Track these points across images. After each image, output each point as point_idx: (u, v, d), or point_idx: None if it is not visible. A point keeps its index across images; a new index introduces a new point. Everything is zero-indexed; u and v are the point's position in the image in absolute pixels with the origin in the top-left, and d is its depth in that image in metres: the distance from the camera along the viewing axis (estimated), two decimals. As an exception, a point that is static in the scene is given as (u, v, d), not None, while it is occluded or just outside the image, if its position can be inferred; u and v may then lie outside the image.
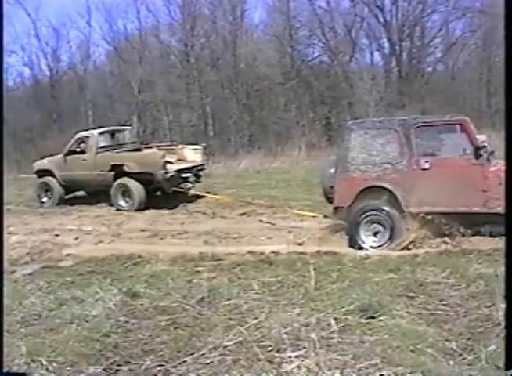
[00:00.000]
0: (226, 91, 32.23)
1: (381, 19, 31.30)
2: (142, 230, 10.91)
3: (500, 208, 7.61)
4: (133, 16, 38.05)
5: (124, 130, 16.87)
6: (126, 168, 13.75)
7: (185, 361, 4.16)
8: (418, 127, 8.33)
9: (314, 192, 11.14)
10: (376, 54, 33.39)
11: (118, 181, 13.81)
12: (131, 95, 32.92)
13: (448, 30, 32.20)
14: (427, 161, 8.21)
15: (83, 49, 35.99)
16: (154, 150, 15.06)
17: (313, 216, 10.85)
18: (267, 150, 26.65)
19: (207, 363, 4.10)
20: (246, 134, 31.21)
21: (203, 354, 4.24)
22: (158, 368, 4.09)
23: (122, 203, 13.73)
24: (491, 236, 7.84)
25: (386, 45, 32.23)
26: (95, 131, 15.27)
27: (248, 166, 23.15)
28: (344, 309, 5.02)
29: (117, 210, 13.54)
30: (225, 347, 4.33)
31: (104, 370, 4.08)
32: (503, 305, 4.76)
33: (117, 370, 4.10)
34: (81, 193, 15.82)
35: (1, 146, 3.88)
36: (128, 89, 33.12)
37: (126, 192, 13.71)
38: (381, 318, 4.81)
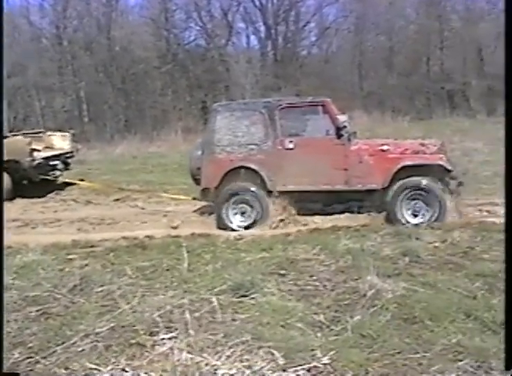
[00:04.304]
0: (101, 75, 31.52)
1: (257, 3, 31.82)
2: (13, 220, 10.51)
3: (360, 186, 8.07)
4: (0, -5, 36.14)
5: None
6: None
7: (55, 351, 4.07)
8: (282, 109, 8.57)
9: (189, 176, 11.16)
10: (252, 38, 34.07)
11: None
12: (0, 79, 31.29)
13: (323, 15, 33.31)
14: (291, 141, 8.46)
15: None
16: (20, 137, 14.39)
17: (184, 199, 10.91)
18: (143, 135, 26.37)
19: (78, 352, 4.03)
20: (122, 119, 30.70)
21: (74, 343, 4.15)
22: (27, 360, 3.98)
23: None
24: (359, 213, 8.22)
25: (262, 28, 32.90)
26: None
27: (124, 151, 22.70)
28: (216, 290, 5.08)
29: None
30: (97, 334, 4.27)
31: (-31, 366, 3.93)
32: (369, 278, 5.04)
33: (-17, 365, 3.95)
34: None
35: (0, 145, 3.60)
36: (-4, 74, 31.47)
37: None
38: (253, 296, 4.89)
